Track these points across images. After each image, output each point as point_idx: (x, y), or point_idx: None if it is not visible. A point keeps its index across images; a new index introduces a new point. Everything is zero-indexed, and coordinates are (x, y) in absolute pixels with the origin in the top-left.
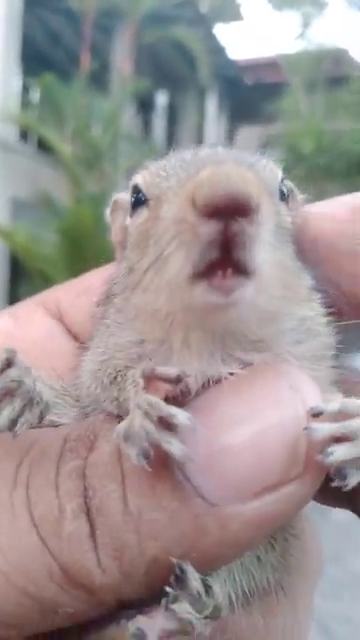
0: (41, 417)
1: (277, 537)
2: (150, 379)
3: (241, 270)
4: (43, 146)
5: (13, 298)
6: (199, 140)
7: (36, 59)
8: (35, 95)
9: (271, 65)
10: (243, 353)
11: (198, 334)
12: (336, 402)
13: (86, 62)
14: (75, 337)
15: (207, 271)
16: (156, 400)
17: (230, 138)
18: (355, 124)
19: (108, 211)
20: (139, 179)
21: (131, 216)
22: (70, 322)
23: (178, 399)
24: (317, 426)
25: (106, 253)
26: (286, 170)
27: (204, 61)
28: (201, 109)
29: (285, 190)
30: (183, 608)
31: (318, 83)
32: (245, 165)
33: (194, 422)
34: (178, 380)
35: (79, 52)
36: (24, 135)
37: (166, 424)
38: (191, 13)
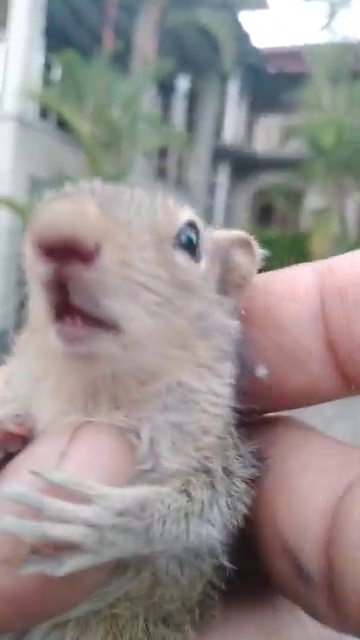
0: None
1: None
2: None
3: (99, 321)
4: (62, 124)
5: None
6: (219, 126)
7: (59, 37)
8: (57, 72)
9: (294, 55)
10: (106, 411)
11: (71, 382)
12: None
13: (109, 41)
14: None
15: (57, 316)
16: None
17: (250, 126)
18: None
19: None
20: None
21: None
22: None
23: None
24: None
25: None
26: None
27: (228, 47)
28: (222, 95)
29: (192, 237)
30: None
31: (341, 75)
32: (92, 202)
33: None
34: None
35: (102, 31)
36: (44, 113)
37: None
38: None
